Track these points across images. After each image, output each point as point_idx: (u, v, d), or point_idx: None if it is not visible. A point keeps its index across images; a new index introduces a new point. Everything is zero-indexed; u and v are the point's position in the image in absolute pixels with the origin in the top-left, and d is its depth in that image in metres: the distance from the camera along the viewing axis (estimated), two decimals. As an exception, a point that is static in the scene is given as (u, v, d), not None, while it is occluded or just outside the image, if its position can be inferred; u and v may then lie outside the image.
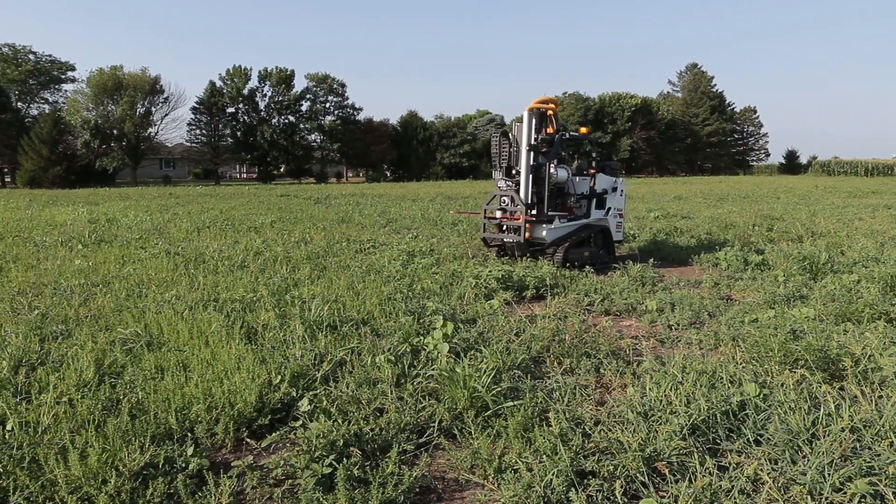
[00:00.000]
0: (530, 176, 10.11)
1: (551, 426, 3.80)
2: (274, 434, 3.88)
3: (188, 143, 76.51)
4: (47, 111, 68.30)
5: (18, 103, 70.94)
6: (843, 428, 3.50)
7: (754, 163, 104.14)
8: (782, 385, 4.26)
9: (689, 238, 14.41)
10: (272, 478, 3.45)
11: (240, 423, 4.05)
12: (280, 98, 76.83)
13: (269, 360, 5.01)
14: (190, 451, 3.63)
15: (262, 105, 76.85)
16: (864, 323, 6.21)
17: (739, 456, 3.47)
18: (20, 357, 5.20)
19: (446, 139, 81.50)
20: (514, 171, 10.29)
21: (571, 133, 11.06)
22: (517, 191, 10.23)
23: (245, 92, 75.31)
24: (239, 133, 74.87)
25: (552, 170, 10.39)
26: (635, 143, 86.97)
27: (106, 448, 3.47)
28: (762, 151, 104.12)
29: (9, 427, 3.83)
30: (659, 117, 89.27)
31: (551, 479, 3.22)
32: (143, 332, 5.88)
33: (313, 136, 79.39)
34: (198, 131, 74.22)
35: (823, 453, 3.30)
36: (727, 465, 3.37)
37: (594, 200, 11.10)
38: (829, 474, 3.14)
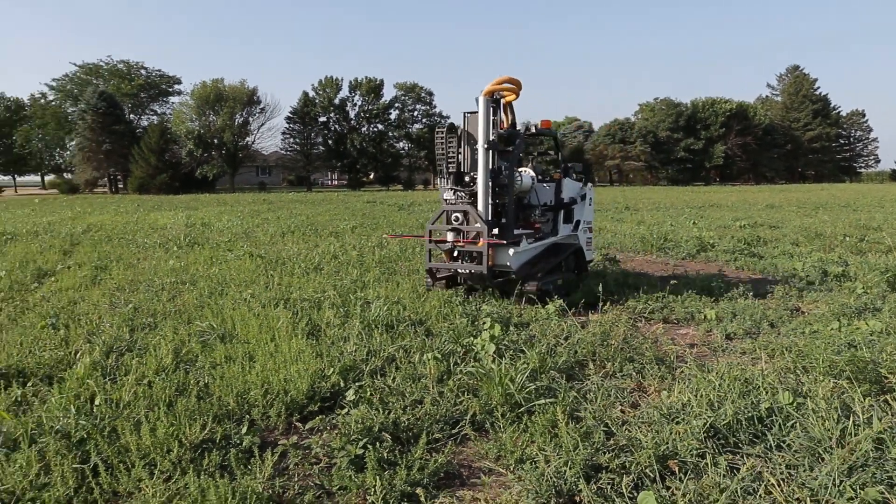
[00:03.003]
0: (490, 183, 7.74)
1: (578, 424, 3.98)
2: (316, 418, 4.25)
3: (282, 151, 79.97)
4: (155, 122, 73.26)
5: (131, 115, 76.44)
6: (867, 437, 3.50)
7: (862, 169, 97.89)
8: (816, 395, 4.26)
9: (771, 248, 13.97)
10: (312, 456, 3.81)
11: (292, 408, 4.45)
12: (369, 107, 79.08)
13: (324, 354, 5.42)
14: (245, 430, 4.07)
15: (352, 114, 79.40)
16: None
17: (758, 460, 3.55)
18: (111, 344, 5.87)
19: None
20: (467, 178, 7.91)
21: (537, 128, 8.84)
22: (473, 203, 7.79)
23: (336, 101, 78.04)
24: (330, 141, 77.62)
25: (516, 175, 8.17)
26: (730, 150, 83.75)
27: (173, 423, 3.94)
28: (871, 158, 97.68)
29: (97, 402, 4.39)
30: (756, 122, 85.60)
31: (565, 471, 3.42)
32: (218, 325, 6.45)
33: (401, 144, 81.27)
34: (291, 140, 77.51)
35: (840, 460, 3.33)
36: (742, 467, 3.45)
37: (561, 213, 9.01)
38: (840, 481, 3.18)
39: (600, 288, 7.08)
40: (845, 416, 3.91)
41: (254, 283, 8.94)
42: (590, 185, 9.81)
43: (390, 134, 79.69)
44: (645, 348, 5.77)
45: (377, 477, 3.41)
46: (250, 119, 73.49)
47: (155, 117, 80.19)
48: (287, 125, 76.87)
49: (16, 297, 8.48)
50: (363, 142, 76.43)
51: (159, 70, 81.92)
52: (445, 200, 8.00)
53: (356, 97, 79.48)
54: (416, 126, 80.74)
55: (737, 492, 3.15)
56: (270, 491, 3.36)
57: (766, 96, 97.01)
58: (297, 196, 47.72)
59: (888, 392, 4.63)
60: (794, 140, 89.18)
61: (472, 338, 5.98)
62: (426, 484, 3.45)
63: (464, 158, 7.98)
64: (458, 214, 7.85)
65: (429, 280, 8.35)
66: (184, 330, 6.37)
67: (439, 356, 5.33)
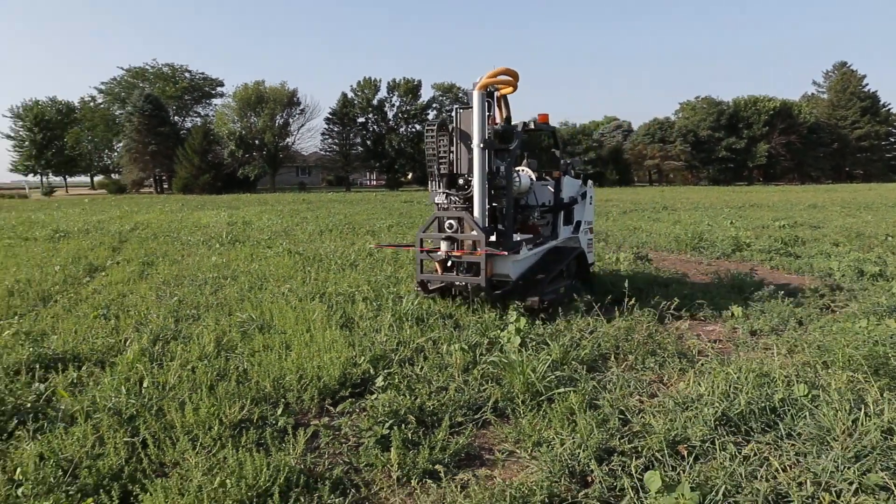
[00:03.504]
0: (486, 186, 7.05)
1: (595, 412, 4.16)
2: (347, 402, 4.52)
3: (322, 152, 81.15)
4: (199, 124, 75.07)
5: (175, 117, 78.47)
6: (876, 427, 3.60)
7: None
8: (830, 387, 4.35)
9: (809, 248, 13.81)
10: (342, 436, 4.07)
11: (324, 393, 4.72)
12: (407, 108, 79.72)
13: (356, 344, 5.69)
14: (280, 411, 4.35)
15: (390, 115, 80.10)
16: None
17: (766, 446, 3.67)
18: (158, 333, 6.24)
19: (571, 146, 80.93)
20: (461, 181, 7.19)
21: (535, 123, 8.07)
22: (468, 209, 7.10)
23: (374, 102, 78.82)
24: (369, 142, 78.47)
25: (514, 175, 7.52)
26: (773, 149, 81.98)
27: (214, 404, 4.24)
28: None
29: (145, 384, 4.72)
30: (800, 121, 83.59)
31: (578, 453, 3.60)
32: (257, 317, 6.78)
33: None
34: (330, 140, 78.62)
35: (846, 448, 3.44)
36: (750, 453, 3.58)
37: (561, 214, 8.36)
38: (845, 466, 3.29)
39: (626, 284, 7.19)
40: (857, 408, 4.01)
41: (291, 279, 9.28)
42: (590, 182, 9.27)
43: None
44: (668, 343, 5.89)
45: (401, 455, 3.65)
46: (290, 120, 74.79)
47: (198, 119, 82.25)
48: (326, 126, 78.03)
49: (70, 289, 8.97)
50: (401, 142, 77.07)
51: (203, 73, 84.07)
52: (437, 205, 7.28)
53: (394, 98, 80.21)
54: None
55: (741, 474, 3.29)
56: (302, 465, 3.62)
57: (812, 94, 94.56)
58: (335, 196, 48.45)
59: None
60: (841, 139, 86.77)
61: (498, 330, 6.19)
62: (447, 463, 3.67)
63: (456, 158, 7.20)
64: (451, 221, 7.07)
65: (420, 292, 7.62)
66: (225, 321, 6.72)
67: (466, 347, 5.55)
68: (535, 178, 8.31)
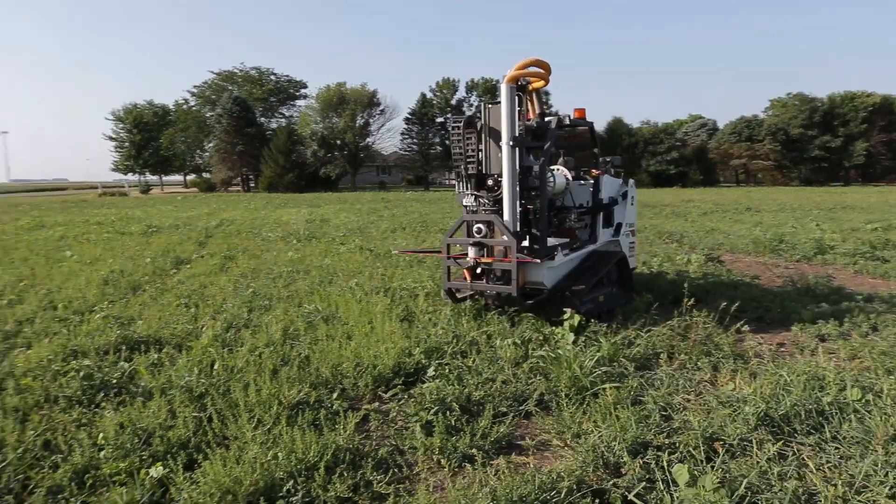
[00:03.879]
0: (517, 187, 6.55)
1: (638, 407, 4.23)
2: (396, 388, 4.76)
3: (401, 152, 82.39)
4: (283, 125, 77.77)
5: (261, 118, 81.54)
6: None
7: None
8: (887, 393, 4.25)
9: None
10: (390, 420, 4.31)
11: (378, 380, 4.97)
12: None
13: (413, 336, 5.93)
14: (335, 395, 4.63)
15: (468, 114, 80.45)
16: None
17: (808, 448, 3.65)
18: (231, 321, 6.70)
19: (652, 146, 78.96)
20: (490, 182, 6.79)
21: (571, 119, 7.57)
22: (497, 212, 6.71)
23: (453, 102, 79.40)
24: (447, 141, 79.04)
25: (548, 175, 6.94)
26: (872, 147, 77.24)
27: (275, 386, 4.57)
28: None
29: (216, 367, 5.12)
30: (904, 117, 78.40)
31: (614, 445, 3.69)
32: (323, 309, 7.14)
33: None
34: (409, 140, 79.69)
35: (891, 453, 3.39)
36: (788, 453, 3.57)
37: (600, 215, 7.81)
38: (885, 472, 3.25)
39: (686, 285, 7.11)
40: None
41: (360, 274, 9.65)
42: (631, 181, 8.61)
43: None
44: (724, 344, 5.83)
45: (443, 439, 3.85)
46: (370, 120, 76.30)
47: (283, 120, 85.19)
48: (405, 126, 79.19)
49: (157, 280, 9.66)
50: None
51: (287, 75, 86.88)
52: (465, 208, 6.92)
53: (473, 97, 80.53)
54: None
55: (775, 473, 3.30)
56: (351, 445, 3.87)
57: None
58: (414, 195, 49.27)
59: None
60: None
61: (553, 327, 6.29)
62: (486, 449, 3.84)
63: (486, 157, 6.81)
64: (480, 226, 6.70)
65: (448, 301, 7.29)
66: (293, 311, 7.11)
67: (518, 342, 5.69)
68: (571, 178, 7.72)
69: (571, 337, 5.87)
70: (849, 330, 6.66)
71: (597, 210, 7.73)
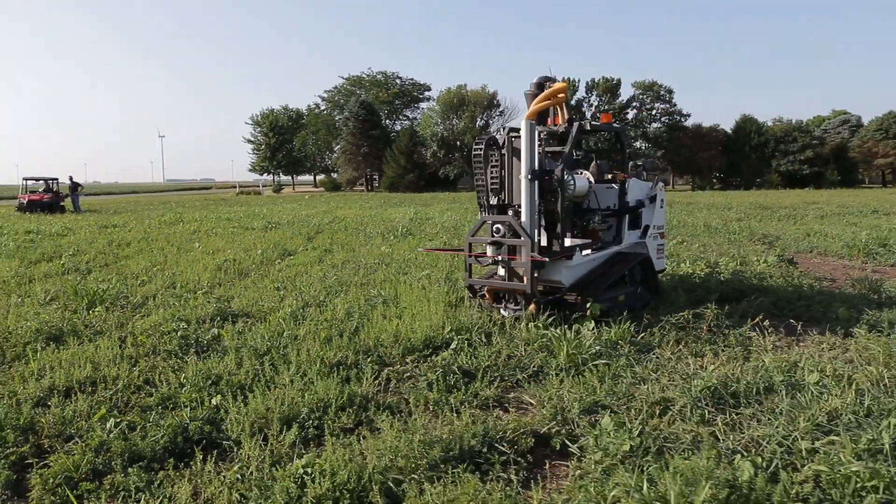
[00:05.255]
0: (535, 191, 6.96)
1: (614, 380, 4.94)
2: (413, 355, 5.74)
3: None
4: (406, 127, 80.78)
5: (386, 121, 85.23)
6: (824, 409, 4.01)
7: None
8: (855, 381, 4.68)
9: None
10: (404, 377, 5.30)
11: (409, 350, 5.96)
12: (606, 107, 78.82)
13: (452, 317, 6.86)
14: (369, 359, 5.66)
15: (588, 115, 79.78)
16: None
17: (739, 416, 4.23)
18: (308, 301, 7.94)
19: (784, 144, 74.59)
20: (510, 212, 7.27)
21: (592, 124, 7.92)
22: (516, 213, 7.19)
23: (572, 102, 79.02)
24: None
25: (568, 179, 7.22)
26: None
27: (322, 350, 5.68)
28: None
29: (284, 334, 6.33)
30: None
31: (574, 405, 4.45)
32: (386, 293, 8.24)
33: (637, 144, 79.81)
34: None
35: (792, 420, 3.93)
36: (717, 418, 4.17)
37: (626, 218, 8.15)
38: (791, 437, 3.80)
39: (721, 279, 7.53)
40: (860, 397, 4.33)
41: (433, 266, 10.69)
42: (661, 184, 8.85)
43: (629, 133, 78.75)
44: (733, 336, 6.30)
45: (441, 394, 4.77)
46: (490, 122, 77.67)
47: (407, 122, 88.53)
48: (524, 127, 79.68)
49: (263, 268, 11.21)
50: (598, 143, 76.34)
51: (412, 78, 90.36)
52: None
53: (592, 97, 79.79)
54: (654, 125, 78.75)
55: (685, 429, 3.95)
56: (367, 394, 4.88)
57: None
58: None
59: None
60: None
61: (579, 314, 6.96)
62: (476, 405, 4.72)
63: (507, 182, 7.31)
64: (499, 226, 7.11)
65: (471, 297, 7.85)
66: (361, 295, 8.26)
67: (540, 325, 6.47)
68: (593, 181, 7.97)
69: (591, 324, 6.55)
70: (883, 329, 6.81)
71: (623, 212, 8.08)
